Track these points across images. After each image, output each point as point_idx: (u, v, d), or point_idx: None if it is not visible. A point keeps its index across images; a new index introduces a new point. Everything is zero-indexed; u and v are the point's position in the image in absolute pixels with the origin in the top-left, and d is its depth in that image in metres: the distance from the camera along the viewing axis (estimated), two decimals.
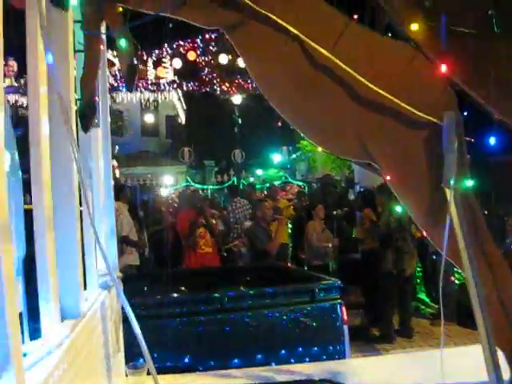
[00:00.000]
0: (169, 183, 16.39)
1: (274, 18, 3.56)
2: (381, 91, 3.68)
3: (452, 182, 3.69)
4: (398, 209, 9.07)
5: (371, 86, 3.67)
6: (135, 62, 3.68)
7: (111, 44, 4.24)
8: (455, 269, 9.95)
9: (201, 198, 11.70)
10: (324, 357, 6.42)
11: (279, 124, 12.62)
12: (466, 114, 3.87)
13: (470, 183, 3.85)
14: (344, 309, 6.82)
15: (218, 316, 6.48)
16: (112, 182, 4.98)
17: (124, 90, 14.94)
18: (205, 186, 16.25)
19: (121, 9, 3.57)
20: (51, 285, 2.88)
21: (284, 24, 3.60)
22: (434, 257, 10.11)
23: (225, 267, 10.29)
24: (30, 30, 2.90)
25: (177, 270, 10.05)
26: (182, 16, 3.63)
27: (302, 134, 3.90)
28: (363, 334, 9.52)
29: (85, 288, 3.83)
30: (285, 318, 6.65)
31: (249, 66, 3.79)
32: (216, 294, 6.74)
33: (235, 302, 6.60)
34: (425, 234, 4.00)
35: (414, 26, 3.64)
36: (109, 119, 4.85)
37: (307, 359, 6.27)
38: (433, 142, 3.77)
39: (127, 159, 20.05)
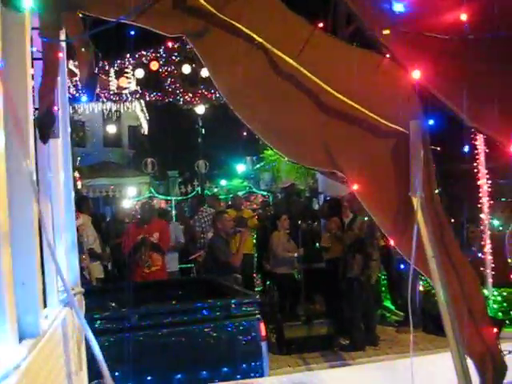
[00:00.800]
0: (132, 194, 16.19)
1: (240, 26, 3.50)
2: (347, 100, 3.66)
3: (418, 191, 3.68)
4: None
5: (337, 94, 3.65)
6: (95, 70, 3.57)
7: (72, 53, 4.11)
8: (421, 276, 10.04)
9: (152, 210, 11.26)
10: (239, 375, 6.18)
11: (244, 134, 12.61)
12: (431, 122, 3.88)
13: (436, 191, 3.86)
14: (262, 324, 6.53)
15: (129, 334, 6.02)
16: (73, 194, 4.82)
17: (86, 100, 14.71)
18: (169, 197, 16.08)
19: (81, 15, 3.46)
20: (7, 303, 2.73)
21: (249, 32, 3.54)
22: (402, 266, 10.16)
23: (159, 281, 9.81)
24: None
25: (115, 284, 9.62)
26: (144, 23, 3.54)
27: (267, 144, 3.84)
28: (330, 344, 9.48)
29: (45, 306, 3.67)
30: (200, 333, 6.36)
31: (213, 74, 3.72)
32: (124, 311, 6.41)
33: (147, 319, 6.29)
34: (392, 242, 3.99)
35: (386, 32, 3.62)
36: (69, 130, 4.69)
37: (223, 375, 6.03)
38: (400, 151, 3.77)
39: (89, 170, 19.67)
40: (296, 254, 10.48)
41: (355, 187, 3.77)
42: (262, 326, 6.51)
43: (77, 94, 13.88)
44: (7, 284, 2.74)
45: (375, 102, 3.75)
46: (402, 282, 10.40)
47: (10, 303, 2.77)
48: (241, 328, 6.46)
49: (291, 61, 3.58)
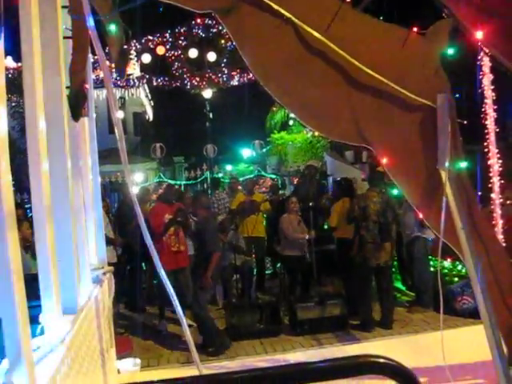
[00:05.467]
0: (139, 180, 16.20)
1: (268, 1, 3.50)
2: (375, 74, 3.66)
3: (446, 163, 3.70)
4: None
5: (365, 69, 3.66)
6: (126, 47, 3.57)
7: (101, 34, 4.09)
8: (431, 256, 10.08)
9: (178, 194, 11.39)
10: None
11: (252, 115, 12.69)
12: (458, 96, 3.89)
13: (463, 165, 3.87)
14: None
15: None
16: (99, 180, 4.86)
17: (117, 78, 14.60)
18: (177, 182, 16.10)
19: None
20: (52, 278, 2.77)
21: (277, 8, 3.54)
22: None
23: None
24: (23, 21, 2.76)
25: None
26: (172, 0, 3.53)
27: (298, 119, 3.85)
28: (343, 324, 9.52)
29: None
30: None
31: (242, 50, 3.72)
32: None
33: None
34: (420, 215, 4.01)
35: None
36: (94, 115, 4.71)
37: None
38: (427, 125, 3.78)
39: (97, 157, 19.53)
40: (307, 236, 10.49)
41: (384, 161, 3.79)
42: None
43: None
44: (52, 259, 2.77)
45: (402, 76, 3.76)
46: (412, 263, 10.42)
47: (56, 278, 2.81)
48: None
49: (319, 35, 3.58)
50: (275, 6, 3.56)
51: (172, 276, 9.52)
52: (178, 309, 3.13)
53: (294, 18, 3.60)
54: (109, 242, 9.96)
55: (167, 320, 9.30)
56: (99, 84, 13.01)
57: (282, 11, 3.58)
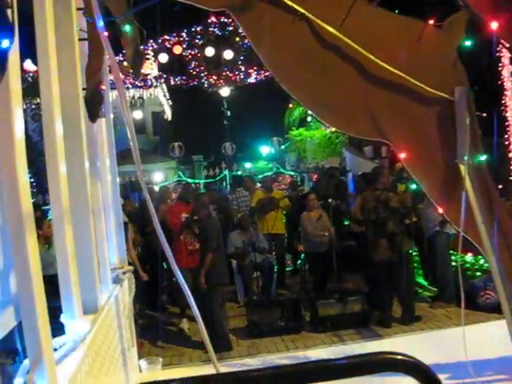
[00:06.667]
0: (159, 179, 16.28)
1: None
2: (391, 68, 3.63)
3: (466, 157, 3.66)
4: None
5: (381, 63, 3.63)
6: (141, 47, 3.58)
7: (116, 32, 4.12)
8: (453, 251, 9.96)
9: (195, 193, 11.43)
10: None
11: (270, 113, 12.73)
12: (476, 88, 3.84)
13: (483, 158, 3.83)
14: None
15: None
16: (118, 180, 4.89)
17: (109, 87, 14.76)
18: (196, 180, 16.13)
19: None
20: (72, 278, 2.80)
21: (291, 4, 3.53)
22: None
23: None
24: (38, 23, 2.79)
25: None
26: None
27: (315, 116, 3.83)
28: (364, 321, 9.48)
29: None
30: None
31: (257, 47, 3.72)
32: None
33: None
34: (440, 210, 3.96)
35: None
36: (112, 116, 4.75)
37: None
38: (445, 119, 3.74)
39: (116, 157, 19.66)
40: (327, 234, 10.45)
41: (402, 156, 3.75)
42: None
43: None
44: (71, 260, 2.80)
45: (419, 70, 3.72)
46: (433, 258, 10.32)
47: (75, 279, 2.84)
48: None
49: (334, 30, 3.56)
50: (289, 3, 3.54)
51: (189, 274, 9.59)
52: (195, 308, 3.14)
53: (308, 14, 3.58)
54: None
55: (188, 318, 9.33)
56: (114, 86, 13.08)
57: (297, 7, 3.57)
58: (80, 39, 3.52)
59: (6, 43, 1.60)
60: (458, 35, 3.68)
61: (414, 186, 9.25)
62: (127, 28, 3.44)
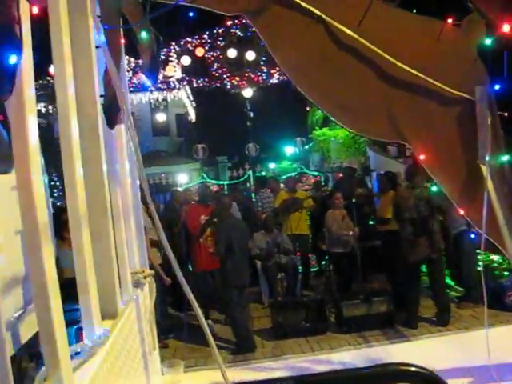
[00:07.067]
0: (183, 181, 16.35)
1: (298, 1, 3.47)
2: (409, 69, 3.59)
3: (487, 157, 3.60)
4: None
5: (399, 64, 3.58)
6: (157, 53, 3.60)
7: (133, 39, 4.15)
8: (480, 250, 9.80)
9: (215, 194, 11.41)
10: None
11: (307, 108, 12.65)
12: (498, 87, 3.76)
13: (504, 158, 3.76)
14: None
15: None
16: (138, 183, 4.91)
17: (133, 90, 14.90)
18: (220, 182, 16.18)
19: (140, 1, 3.49)
20: (90, 285, 2.83)
21: (308, 6, 3.51)
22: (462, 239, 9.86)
23: None
24: (54, 29, 2.82)
25: None
26: (202, 4, 3.55)
27: (332, 119, 3.82)
28: (390, 321, 9.39)
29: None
30: None
31: (273, 50, 3.70)
32: None
33: None
34: (461, 212, 3.90)
35: None
36: (132, 119, 4.77)
37: None
38: (466, 119, 3.68)
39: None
40: (351, 233, 10.39)
41: (422, 157, 3.71)
42: None
43: None
44: (89, 266, 2.82)
45: (438, 70, 3.67)
46: (460, 257, 10.18)
47: (93, 285, 2.86)
48: None
49: (351, 32, 3.52)
50: (305, 5, 3.52)
51: (209, 276, 9.62)
52: (198, 311, 3.14)
53: (324, 16, 3.56)
54: (153, 244, 10.13)
55: (213, 320, 9.36)
56: (141, 88, 13.20)
57: (313, 10, 3.55)
58: (97, 46, 3.55)
59: (13, 59, 1.62)
60: (478, 33, 3.61)
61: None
62: (143, 35, 3.45)
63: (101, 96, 3.50)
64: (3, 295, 2.47)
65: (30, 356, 2.96)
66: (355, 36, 3.53)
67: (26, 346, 2.79)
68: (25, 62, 2.08)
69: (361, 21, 3.54)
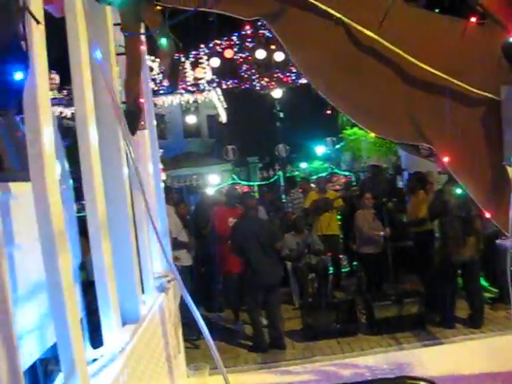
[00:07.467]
0: (215, 182, 16.43)
1: (316, 3, 3.44)
2: (432, 70, 3.52)
3: None
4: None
5: (421, 64, 3.52)
6: (177, 60, 3.62)
7: (152, 48, 4.19)
8: None
9: (241, 196, 11.36)
10: None
11: (323, 113, 12.56)
12: None
13: None
14: None
15: None
16: (162, 186, 4.95)
17: (164, 93, 15.03)
18: (251, 183, 16.19)
19: (159, 8, 3.51)
20: (109, 290, 2.86)
21: (326, 8, 3.48)
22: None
23: None
24: (71, 35, 2.87)
25: None
26: (221, 9, 3.55)
27: (354, 122, 3.77)
28: (421, 323, 9.26)
29: (142, 292, 3.80)
30: None
31: (292, 54, 3.68)
32: None
33: None
34: (487, 215, 3.82)
35: None
36: (155, 123, 4.81)
37: None
38: (491, 119, 3.60)
39: (172, 161, 20.15)
40: (382, 233, 10.27)
41: (445, 159, 3.63)
42: None
43: (155, 88, 14.17)
44: (109, 272, 2.86)
45: (462, 70, 3.59)
46: (494, 258, 9.97)
47: (113, 290, 2.89)
48: None
49: (371, 34, 3.48)
50: (324, 7, 3.49)
51: (237, 278, 9.64)
52: (200, 320, 3.13)
53: (344, 18, 3.52)
54: (182, 246, 10.20)
55: (243, 322, 9.39)
56: (169, 90, 13.29)
57: (332, 11, 3.51)
58: (118, 54, 3.59)
59: (19, 76, 1.64)
60: (503, 32, 3.53)
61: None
62: (163, 41, 3.47)
63: (122, 103, 3.55)
64: (29, 300, 2.52)
65: (57, 359, 3.01)
66: (376, 37, 3.48)
67: (52, 349, 2.84)
68: (40, 71, 2.11)
69: (381, 22, 3.49)
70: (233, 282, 9.82)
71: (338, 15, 3.52)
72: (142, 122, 3.79)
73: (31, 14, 1.78)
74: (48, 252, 2.15)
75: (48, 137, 2.19)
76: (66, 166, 3.55)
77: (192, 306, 3.21)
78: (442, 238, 9.18)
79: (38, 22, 1.83)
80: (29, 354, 2.71)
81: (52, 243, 2.15)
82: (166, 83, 13.02)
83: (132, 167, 3.99)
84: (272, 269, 8.55)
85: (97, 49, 2.64)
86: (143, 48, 3.65)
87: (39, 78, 2.09)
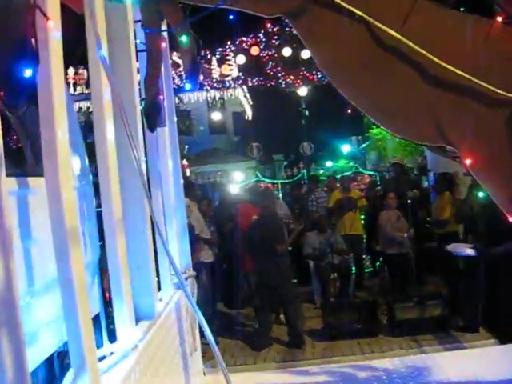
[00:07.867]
0: (239, 179, 16.43)
1: (339, 1, 3.39)
2: (456, 70, 3.44)
3: None
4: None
5: (445, 65, 3.44)
6: (198, 58, 3.60)
7: (175, 45, 4.18)
8: None
9: (262, 193, 11.34)
10: None
11: (349, 112, 12.49)
12: None
13: None
14: None
15: None
16: (182, 181, 4.95)
17: (190, 89, 15.10)
18: (275, 181, 16.16)
19: (180, 5, 3.50)
20: (123, 286, 2.86)
21: (348, 7, 3.42)
22: None
23: None
24: (88, 33, 2.88)
25: None
26: (242, 7, 3.52)
27: (374, 122, 3.72)
28: (444, 326, 9.13)
29: (159, 289, 3.81)
30: None
31: (314, 53, 3.63)
32: None
33: None
34: (510, 219, 3.72)
35: None
36: (175, 119, 4.80)
37: None
38: None
39: (197, 158, 20.21)
40: (406, 235, 10.16)
41: (468, 162, 3.55)
42: None
43: (181, 84, 14.22)
44: (123, 268, 2.86)
45: (487, 71, 3.50)
46: None
47: (127, 287, 2.90)
48: None
49: (395, 33, 3.41)
50: (347, 6, 3.43)
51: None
52: (204, 323, 3.12)
53: (366, 17, 3.46)
54: (204, 241, 10.22)
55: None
56: (190, 88, 13.35)
57: (354, 10, 3.45)
58: (138, 51, 3.60)
59: (28, 73, 1.65)
60: None
61: None
62: (183, 38, 3.45)
63: (141, 99, 3.55)
64: (46, 293, 2.54)
65: None
66: (399, 36, 3.41)
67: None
68: (54, 67, 2.12)
69: (405, 21, 3.43)
70: (253, 279, 9.84)
71: (361, 14, 3.46)
72: (162, 120, 3.78)
73: (41, 10, 1.78)
74: (60, 248, 2.16)
75: (62, 134, 2.19)
76: (86, 161, 3.57)
77: (193, 306, 3.20)
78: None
79: (47, 19, 1.83)
80: (45, 347, 2.73)
81: (64, 240, 2.15)
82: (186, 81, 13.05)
83: (152, 163, 4.03)
84: (275, 268, 8.52)
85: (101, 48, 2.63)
86: (164, 45, 3.64)
87: (53, 75, 2.09)
